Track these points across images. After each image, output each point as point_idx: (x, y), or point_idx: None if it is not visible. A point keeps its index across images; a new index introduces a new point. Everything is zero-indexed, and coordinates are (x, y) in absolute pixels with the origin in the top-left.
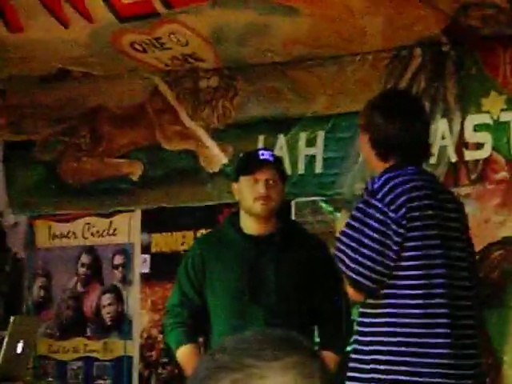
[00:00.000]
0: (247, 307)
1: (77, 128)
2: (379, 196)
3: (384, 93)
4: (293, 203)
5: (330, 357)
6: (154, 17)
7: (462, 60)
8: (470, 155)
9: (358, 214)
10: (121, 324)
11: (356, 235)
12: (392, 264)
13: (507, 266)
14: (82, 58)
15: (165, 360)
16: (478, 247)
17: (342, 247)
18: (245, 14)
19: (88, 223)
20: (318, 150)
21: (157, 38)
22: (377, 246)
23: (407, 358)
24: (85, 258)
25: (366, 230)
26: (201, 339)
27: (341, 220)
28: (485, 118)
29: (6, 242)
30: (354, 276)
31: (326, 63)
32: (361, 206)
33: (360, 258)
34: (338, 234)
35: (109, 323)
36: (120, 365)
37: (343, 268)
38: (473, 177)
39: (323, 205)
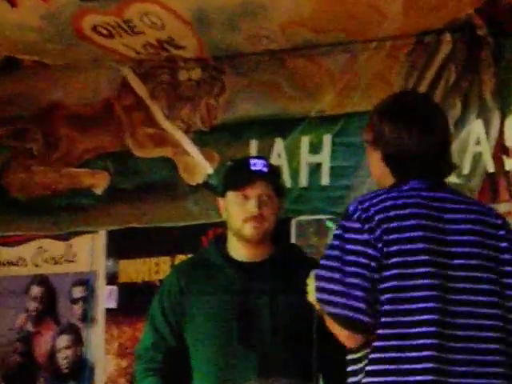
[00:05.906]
0: (236, 351)
1: (27, 130)
2: (355, 217)
3: (392, 96)
4: (293, 222)
5: None
6: None
7: (501, 47)
8: (511, 164)
9: (336, 242)
10: (80, 372)
11: (338, 265)
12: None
13: None
14: (34, 45)
15: None
16: None
17: (324, 285)
18: None
19: (40, 247)
20: (323, 158)
21: (126, 21)
22: (364, 272)
23: None
24: (36, 290)
25: (347, 256)
26: None
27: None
28: None
29: None
30: (346, 312)
31: (334, 52)
32: (337, 232)
33: (348, 290)
34: (315, 272)
35: (65, 371)
36: None
37: (330, 308)
38: None
39: (330, 224)
